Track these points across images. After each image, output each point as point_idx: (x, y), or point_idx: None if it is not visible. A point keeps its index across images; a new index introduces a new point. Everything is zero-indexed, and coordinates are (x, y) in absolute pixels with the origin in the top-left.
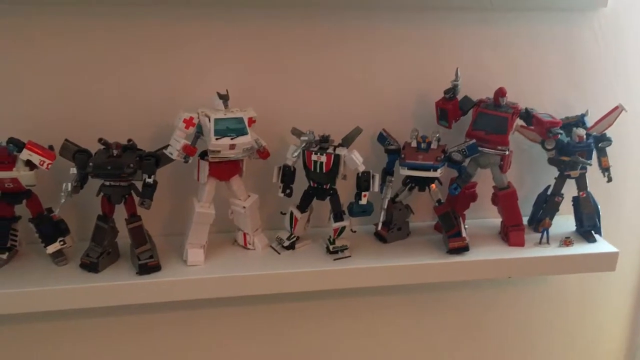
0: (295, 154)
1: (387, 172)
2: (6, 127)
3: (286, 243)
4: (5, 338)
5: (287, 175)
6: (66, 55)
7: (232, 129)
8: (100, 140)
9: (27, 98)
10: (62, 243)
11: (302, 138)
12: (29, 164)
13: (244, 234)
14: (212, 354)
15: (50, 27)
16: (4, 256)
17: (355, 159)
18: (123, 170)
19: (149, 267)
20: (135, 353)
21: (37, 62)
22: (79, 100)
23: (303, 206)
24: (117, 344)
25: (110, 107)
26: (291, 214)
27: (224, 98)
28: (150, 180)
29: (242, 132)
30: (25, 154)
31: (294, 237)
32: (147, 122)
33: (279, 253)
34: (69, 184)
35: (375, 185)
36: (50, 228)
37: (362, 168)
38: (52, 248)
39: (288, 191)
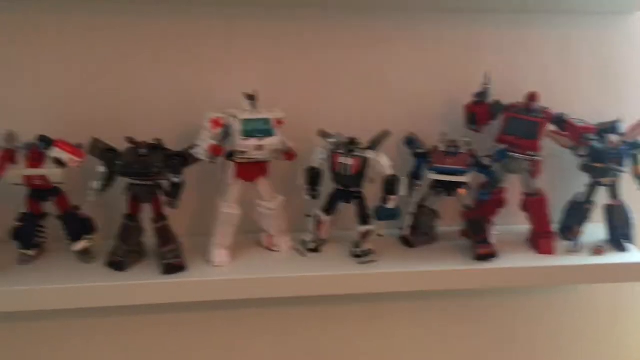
0: (322, 156)
1: (415, 176)
2: (33, 125)
3: (311, 246)
4: (29, 334)
5: (313, 177)
6: (89, 54)
7: (259, 130)
8: (128, 139)
9: (52, 97)
10: (88, 241)
11: (329, 140)
12: (58, 162)
13: (269, 236)
14: (234, 354)
15: (75, 24)
16: (32, 253)
17: (383, 162)
18: (151, 170)
19: (174, 266)
20: (158, 352)
21: (61, 60)
22: (103, 99)
23: (329, 209)
24: (141, 342)
25: (134, 107)
26: (317, 216)
27: (251, 99)
28: (178, 180)
29: (269, 133)
30: (54, 152)
31: (319, 240)
32: (171, 121)
33: (303, 256)
34: (97, 183)
35: (402, 189)
36: (78, 225)
37: (389, 171)
38: (78, 246)
39: (314, 193)
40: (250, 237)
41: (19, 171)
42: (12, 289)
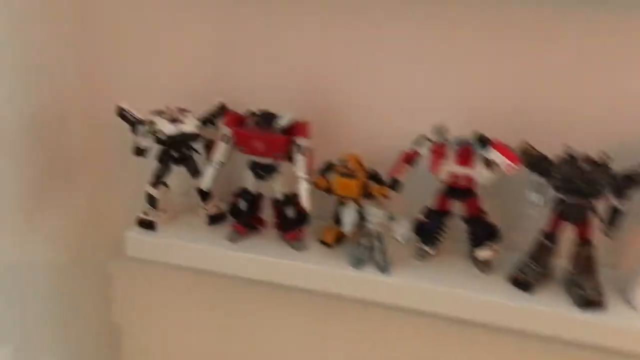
0: None
1: None
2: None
3: None
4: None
5: None
6: (511, 51)
7: None
8: (565, 149)
9: (467, 90)
10: (492, 249)
11: None
12: (489, 163)
13: None
14: None
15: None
16: (430, 250)
17: None
18: (594, 189)
19: (593, 302)
20: None
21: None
22: (526, 103)
23: None
24: None
25: (564, 111)
26: None
27: None
28: (622, 207)
29: None
30: (490, 153)
31: None
32: (604, 132)
33: None
34: (538, 195)
35: None
36: (483, 231)
37: None
38: (483, 253)
39: None
40: None
41: (448, 167)
42: (420, 287)
